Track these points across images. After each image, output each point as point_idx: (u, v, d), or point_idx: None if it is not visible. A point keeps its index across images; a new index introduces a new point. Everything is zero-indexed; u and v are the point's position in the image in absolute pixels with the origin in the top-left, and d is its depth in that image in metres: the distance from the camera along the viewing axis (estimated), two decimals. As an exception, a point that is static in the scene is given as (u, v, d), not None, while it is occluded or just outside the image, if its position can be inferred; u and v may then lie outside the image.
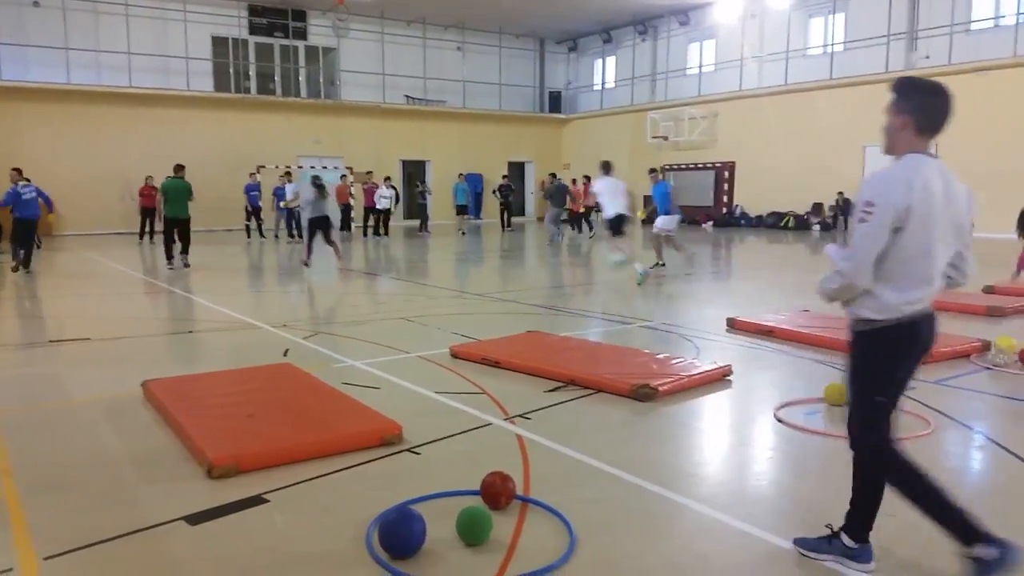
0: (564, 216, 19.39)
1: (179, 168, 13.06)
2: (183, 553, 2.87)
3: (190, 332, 7.36)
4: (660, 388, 4.80)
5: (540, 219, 29.19)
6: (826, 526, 2.78)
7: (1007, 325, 7.28)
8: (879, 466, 2.71)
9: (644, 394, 4.72)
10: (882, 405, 2.66)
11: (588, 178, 20.31)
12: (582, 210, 21.58)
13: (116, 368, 5.96)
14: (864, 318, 2.63)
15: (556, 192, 19.17)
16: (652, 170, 13.25)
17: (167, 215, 12.93)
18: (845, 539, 2.72)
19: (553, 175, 19.75)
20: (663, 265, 11.98)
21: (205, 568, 2.78)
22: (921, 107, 2.55)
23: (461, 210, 22.88)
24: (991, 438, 4.11)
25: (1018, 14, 18.59)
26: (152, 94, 22.51)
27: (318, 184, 12.66)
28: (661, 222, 11.87)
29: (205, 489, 3.42)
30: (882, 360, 2.63)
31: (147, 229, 18.74)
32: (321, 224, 12.40)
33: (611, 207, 11.38)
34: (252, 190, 20.01)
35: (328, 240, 12.53)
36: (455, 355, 5.99)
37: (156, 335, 7.35)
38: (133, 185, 19.42)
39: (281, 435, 3.89)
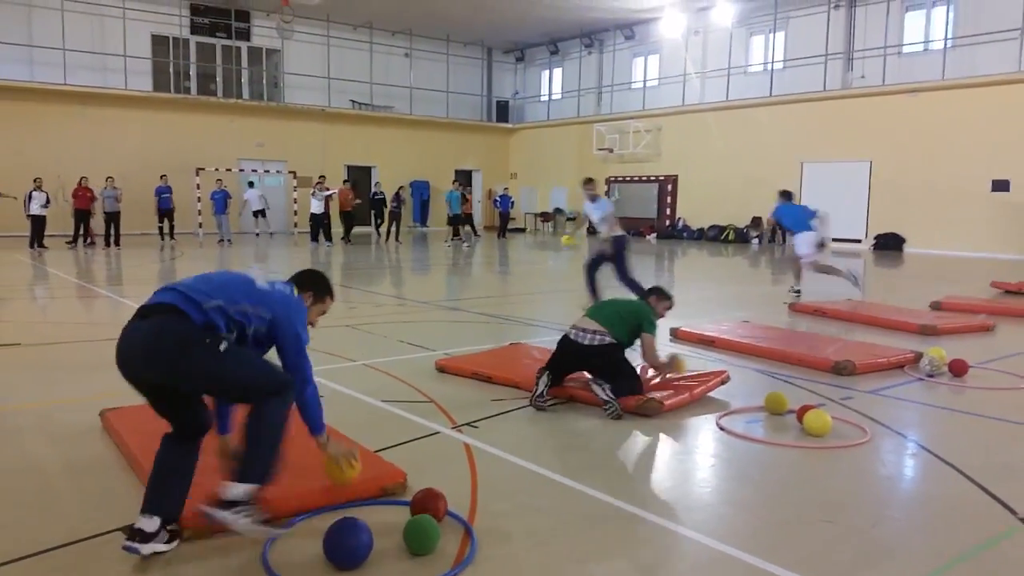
0: None
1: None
2: (120, 565, 2.78)
3: (126, 338, 7.14)
4: (666, 402, 4.73)
5: (489, 228, 29.21)
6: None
7: (940, 345, 7.54)
8: None
9: (651, 408, 4.66)
10: None
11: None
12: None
13: (49, 375, 5.75)
14: None
15: None
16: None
17: None
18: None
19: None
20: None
21: (143, 581, 2.70)
22: None
23: (454, 220, 21.79)
24: (924, 446, 4.25)
25: (945, 39, 19.39)
26: (88, 92, 21.84)
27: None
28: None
29: (142, 498, 3.32)
30: None
31: (81, 232, 18.16)
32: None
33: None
34: (163, 192, 19.76)
35: None
36: (442, 369, 5.78)
37: (90, 341, 7.11)
38: (67, 186, 18.79)
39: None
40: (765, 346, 6.55)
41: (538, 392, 4.78)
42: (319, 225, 20.08)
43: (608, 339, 4.92)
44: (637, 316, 5.11)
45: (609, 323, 4.99)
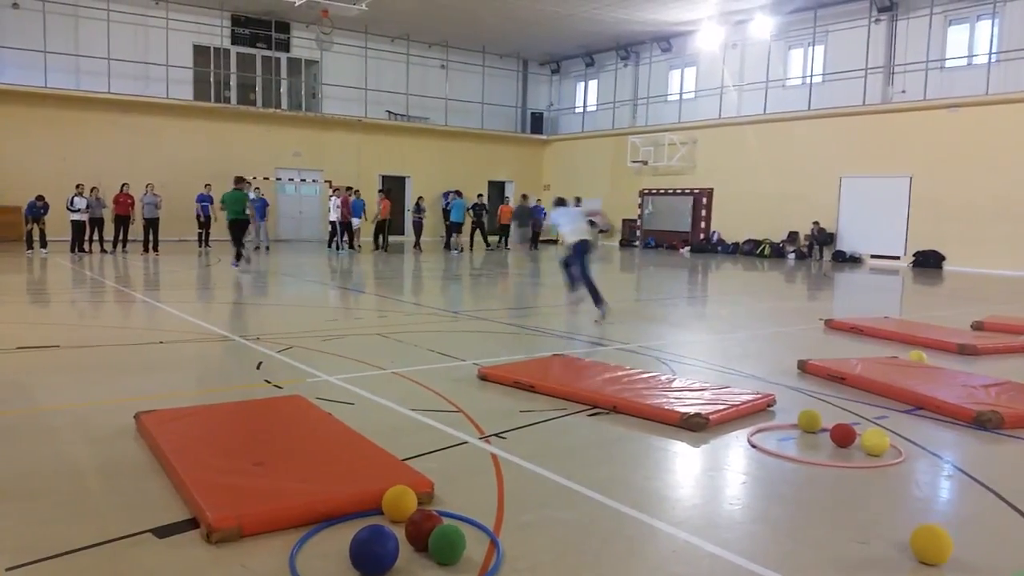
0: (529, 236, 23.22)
1: (239, 180, 14.62)
2: (151, 566, 2.81)
3: (160, 343, 7.26)
4: (711, 417, 4.69)
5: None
6: None
7: (979, 366, 7.37)
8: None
9: (696, 423, 4.61)
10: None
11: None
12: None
13: (85, 377, 5.86)
14: None
15: (523, 213, 21.92)
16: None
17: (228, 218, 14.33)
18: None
19: (524, 196, 23.29)
20: None
21: (171, 582, 2.73)
22: None
23: (454, 228, 22.34)
24: (961, 468, 4.16)
25: (990, 53, 19.05)
26: (131, 100, 22.34)
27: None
28: None
29: (173, 500, 3.36)
30: None
31: (120, 237, 18.54)
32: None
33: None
34: (203, 200, 20.28)
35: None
36: (484, 377, 5.80)
37: (126, 344, 7.24)
38: (109, 192, 19.20)
39: (294, 490, 3.34)
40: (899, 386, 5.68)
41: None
42: (336, 232, 20.56)
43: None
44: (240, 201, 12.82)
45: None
